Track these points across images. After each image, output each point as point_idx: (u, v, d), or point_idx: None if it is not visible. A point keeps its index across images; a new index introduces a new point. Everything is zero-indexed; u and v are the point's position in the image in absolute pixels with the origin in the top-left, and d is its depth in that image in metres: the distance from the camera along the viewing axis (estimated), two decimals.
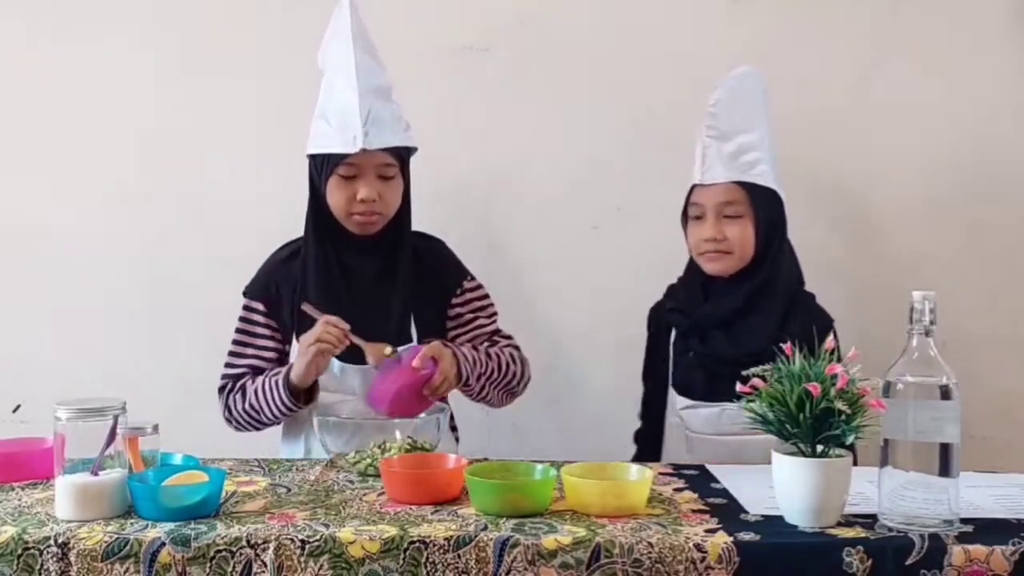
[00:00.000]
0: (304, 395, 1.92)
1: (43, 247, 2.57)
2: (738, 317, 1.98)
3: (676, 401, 2.04)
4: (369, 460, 1.70)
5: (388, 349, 1.87)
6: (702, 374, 1.99)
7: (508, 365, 1.99)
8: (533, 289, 2.53)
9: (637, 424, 2.15)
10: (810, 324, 1.91)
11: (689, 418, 2.01)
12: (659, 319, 2.12)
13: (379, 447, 1.72)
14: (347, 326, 1.85)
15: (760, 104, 2.05)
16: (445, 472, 1.59)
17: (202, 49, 2.53)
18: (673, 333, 2.07)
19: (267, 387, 1.93)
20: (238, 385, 2.00)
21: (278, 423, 2.00)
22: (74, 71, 2.55)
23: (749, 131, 2.01)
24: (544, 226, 2.54)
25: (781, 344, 1.84)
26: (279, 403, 1.91)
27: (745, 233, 1.97)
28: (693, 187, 2.03)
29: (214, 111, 2.53)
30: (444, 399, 2.01)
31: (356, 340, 1.87)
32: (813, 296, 2.05)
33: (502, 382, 1.99)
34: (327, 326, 1.84)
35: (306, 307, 1.93)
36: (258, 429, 2.00)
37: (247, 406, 1.96)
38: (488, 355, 1.98)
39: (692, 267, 2.07)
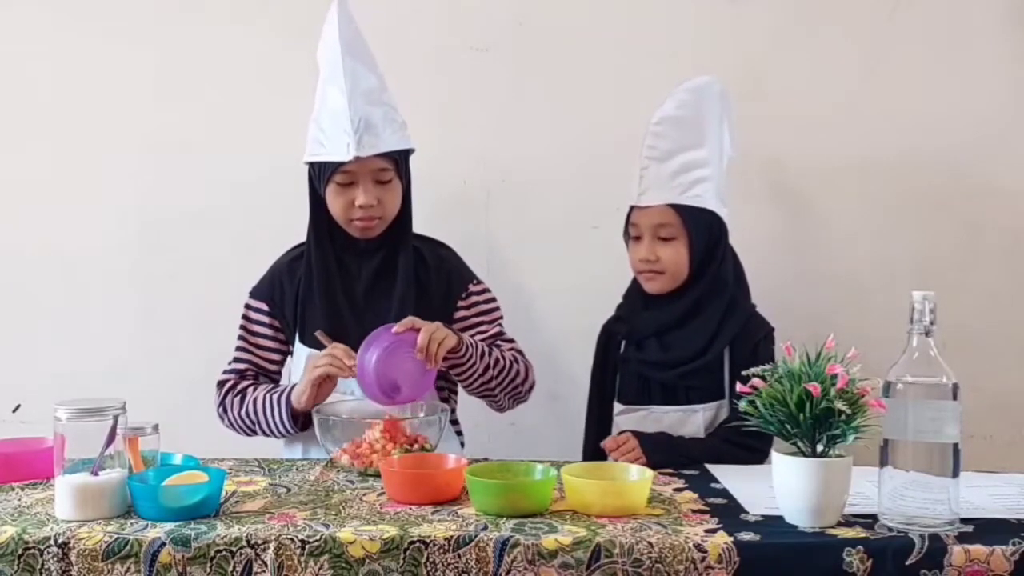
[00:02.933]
0: (301, 419, 1.93)
1: (43, 247, 2.57)
2: (674, 327, 2.03)
3: (615, 406, 2.09)
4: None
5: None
6: (636, 380, 2.05)
7: (512, 364, 1.99)
8: (533, 289, 2.53)
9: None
10: (748, 332, 1.99)
11: (621, 422, 2.05)
12: (608, 334, 2.15)
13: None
14: (355, 359, 1.82)
15: (714, 116, 2.08)
16: (445, 472, 1.59)
17: (203, 50, 2.53)
18: (623, 344, 2.11)
19: (268, 402, 1.93)
20: (239, 388, 2.00)
21: (267, 436, 1.99)
22: (75, 72, 2.55)
23: (697, 147, 2.04)
24: (544, 226, 2.54)
25: (711, 350, 1.97)
26: (277, 421, 1.92)
27: (678, 255, 2.01)
28: (631, 208, 2.07)
29: (214, 111, 2.53)
30: (446, 401, 2.01)
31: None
32: (753, 305, 2.08)
33: (507, 378, 1.98)
34: (334, 353, 1.83)
35: (319, 335, 1.93)
36: (245, 434, 2.01)
37: (243, 412, 1.97)
38: (490, 347, 1.98)
39: (635, 282, 2.12)
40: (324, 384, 1.86)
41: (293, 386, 1.91)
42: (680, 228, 2.01)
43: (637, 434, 1.90)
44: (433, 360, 1.81)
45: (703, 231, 2.01)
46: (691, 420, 1.98)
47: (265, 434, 1.98)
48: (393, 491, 1.55)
